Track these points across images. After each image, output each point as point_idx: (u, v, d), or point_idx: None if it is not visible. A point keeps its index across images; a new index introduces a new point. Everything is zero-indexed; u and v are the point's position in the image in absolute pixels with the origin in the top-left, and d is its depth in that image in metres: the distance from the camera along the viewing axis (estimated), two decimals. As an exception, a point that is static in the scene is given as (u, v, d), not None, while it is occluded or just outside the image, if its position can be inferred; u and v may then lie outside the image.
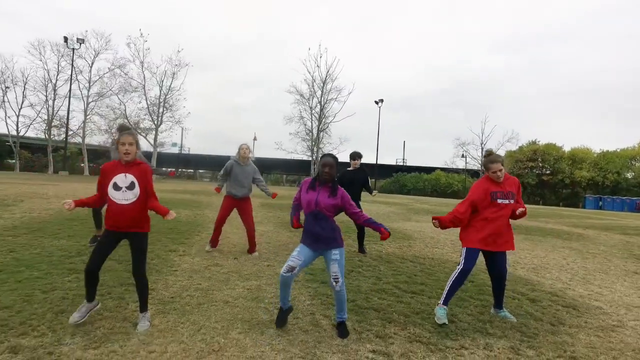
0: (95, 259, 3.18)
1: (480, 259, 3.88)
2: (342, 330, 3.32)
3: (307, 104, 43.52)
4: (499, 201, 3.74)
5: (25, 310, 3.38)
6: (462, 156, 52.71)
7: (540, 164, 52.72)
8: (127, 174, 3.21)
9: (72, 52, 39.57)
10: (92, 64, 41.98)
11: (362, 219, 3.44)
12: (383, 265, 5.93)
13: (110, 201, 3.19)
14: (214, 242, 6.29)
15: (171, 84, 43.28)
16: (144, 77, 42.35)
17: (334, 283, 3.28)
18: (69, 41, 39.10)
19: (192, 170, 67.45)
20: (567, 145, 55.43)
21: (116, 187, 3.18)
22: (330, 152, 3.82)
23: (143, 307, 3.29)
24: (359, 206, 6.22)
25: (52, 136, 44.42)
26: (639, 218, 24.32)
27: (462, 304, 4.27)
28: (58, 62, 42.02)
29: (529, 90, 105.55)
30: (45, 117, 43.77)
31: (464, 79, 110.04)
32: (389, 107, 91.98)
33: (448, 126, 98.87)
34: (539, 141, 55.20)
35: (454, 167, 54.61)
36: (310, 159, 43.51)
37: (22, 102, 43.56)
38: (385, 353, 3.01)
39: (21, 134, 44.60)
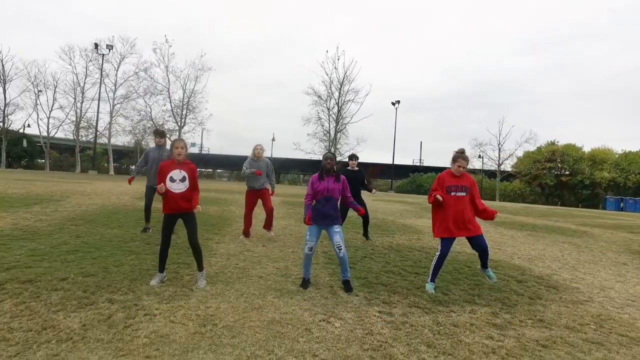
0: (165, 240, 4.29)
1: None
2: (347, 286, 4.43)
3: (324, 105, 44.42)
4: (453, 193, 4.56)
5: (107, 277, 4.33)
6: (479, 157, 52.68)
7: (559, 165, 52.29)
8: (181, 170, 4.26)
9: (101, 58, 41.39)
10: (118, 67, 43.83)
11: (348, 201, 4.71)
12: (392, 253, 6.74)
13: (167, 191, 4.18)
14: (247, 233, 7.33)
15: (194, 87, 44.80)
16: (169, 81, 43.95)
17: (338, 250, 4.39)
18: (99, 48, 40.95)
19: (210, 170, 69.07)
20: (587, 146, 54.80)
21: (172, 180, 4.20)
22: (330, 151, 5.01)
23: (200, 267, 4.40)
24: (360, 199, 7.62)
25: (79, 137, 46.46)
26: (655, 219, 24.34)
27: (457, 283, 5.06)
28: (86, 66, 44.06)
29: (548, 91, 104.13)
30: (74, 119, 45.81)
31: (484, 79, 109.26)
32: (408, 108, 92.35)
33: (466, 127, 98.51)
34: (557, 142, 54.79)
35: (471, 167, 54.63)
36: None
37: (53, 105, 45.78)
38: (389, 313, 3.84)
39: (51, 135, 46.76)
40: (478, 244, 4.67)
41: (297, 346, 3.04)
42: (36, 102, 45.63)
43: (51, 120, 46.15)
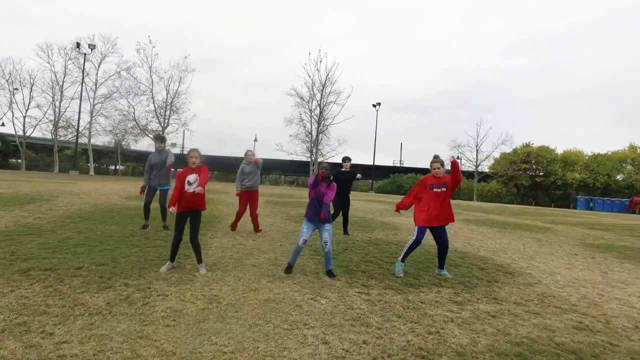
0: (178, 234, 4.92)
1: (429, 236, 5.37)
2: (330, 274, 5.12)
3: (306, 106, 45.05)
4: (435, 189, 5.35)
5: (118, 266, 4.87)
6: (457, 158, 54.15)
7: (533, 166, 54.24)
8: (196, 175, 4.90)
9: (83, 57, 41.03)
10: (99, 66, 43.49)
11: (325, 202, 5.19)
12: (371, 247, 7.42)
13: (185, 192, 4.82)
14: (234, 226, 8.19)
15: (178, 88, 44.82)
16: (152, 81, 43.87)
17: (324, 245, 5.09)
18: (80, 47, 40.59)
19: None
20: (560, 147, 56.91)
21: (189, 183, 4.85)
22: (325, 160, 5.83)
23: (199, 260, 5.01)
24: (347, 197, 8.59)
25: (58, 136, 45.82)
26: (621, 217, 25.84)
27: (427, 270, 5.77)
28: (65, 65, 43.52)
29: (527, 94, 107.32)
30: (52, 118, 45.17)
31: (465, 82, 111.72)
32: (390, 109, 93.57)
33: (446, 128, 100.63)
34: (532, 144, 56.81)
35: (448, 168, 56.07)
36: (309, 160, 45.01)
37: (29, 103, 45.02)
38: (367, 293, 4.51)
39: (27, 134, 45.97)
40: (441, 236, 5.43)
41: (290, 318, 3.66)
42: (11, 100, 44.86)
43: (27, 119, 45.43)
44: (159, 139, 7.88)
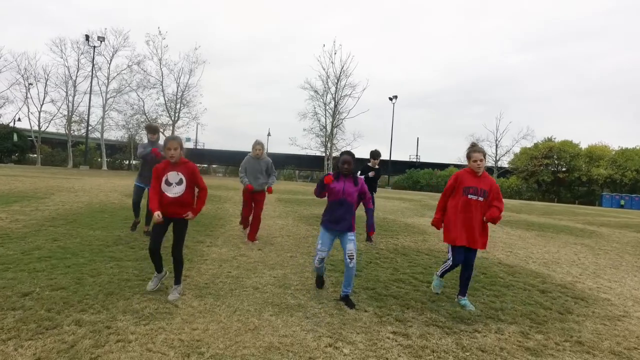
0: (155, 240, 3.80)
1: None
2: (348, 301, 3.91)
3: (321, 100, 43.81)
4: (471, 196, 4.00)
5: (79, 291, 3.76)
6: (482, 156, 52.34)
7: (555, 161, 52.03)
8: (178, 172, 3.77)
9: (92, 50, 40.46)
10: (111, 60, 42.90)
11: (368, 205, 4.32)
12: (399, 258, 6.21)
13: (162, 194, 3.74)
14: (244, 224, 7.16)
15: (188, 80, 43.97)
16: (162, 74, 43.11)
17: (349, 260, 3.88)
18: (90, 40, 40.02)
19: (206, 165, 68.31)
20: (585, 142, 54.56)
21: (167, 183, 3.75)
22: (348, 150, 4.26)
23: (177, 281, 3.91)
24: (373, 196, 7.11)
25: (71, 131, 45.53)
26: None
27: (475, 294, 4.54)
28: (78, 59, 43.07)
29: (546, 88, 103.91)
30: (66, 113, 44.88)
31: (482, 76, 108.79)
32: (406, 103, 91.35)
33: (464, 123, 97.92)
34: (554, 138, 54.49)
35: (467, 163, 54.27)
36: (323, 154, 43.80)
37: (44, 98, 44.76)
38: (404, 334, 3.32)
39: (42, 129, 45.80)
40: (470, 258, 4.11)
41: (299, 383, 2.50)
42: (26, 95, 44.62)
43: (42, 114, 45.20)
44: (151, 129, 6.74)
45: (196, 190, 3.96)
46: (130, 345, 2.81)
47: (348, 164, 3.96)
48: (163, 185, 3.74)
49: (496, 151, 50.97)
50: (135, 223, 6.85)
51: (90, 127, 42.94)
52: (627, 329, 3.75)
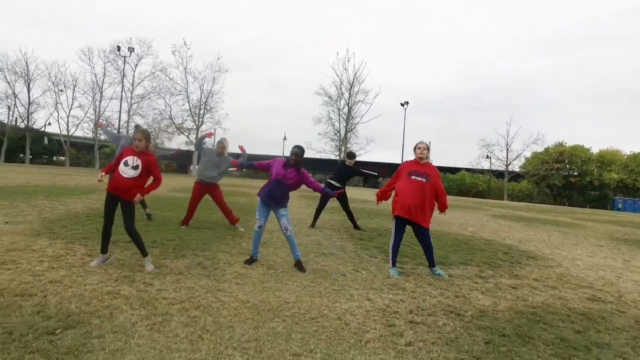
0: (107, 219, 4.34)
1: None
2: (299, 266, 4.74)
3: (335, 105, 45.73)
4: (414, 177, 4.80)
5: (184, 242, 5.68)
6: (487, 157, 53.60)
7: (567, 166, 52.93)
8: (137, 158, 4.30)
9: (122, 59, 43.21)
10: (135, 68, 45.59)
11: (317, 189, 4.99)
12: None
13: (116, 171, 4.29)
14: (186, 222, 7.05)
15: (211, 88, 46.40)
16: (187, 82, 45.60)
17: (285, 231, 4.80)
18: (120, 50, 42.78)
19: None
20: (595, 147, 55.21)
21: (125, 164, 4.26)
22: (300, 145, 4.90)
23: (144, 253, 4.38)
24: (344, 189, 8.26)
25: (98, 135, 48.29)
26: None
27: (455, 252, 6.34)
28: (104, 67, 45.89)
29: (556, 93, 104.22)
30: (93, 117, 47.64)
31: (493, 81, 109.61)
32: (417, 108, 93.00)
33: (475, 128, 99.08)
34: (565, 143, 55.38)
35: (479, 167, 55.51)
36: (337, 158, 45.66)
37: (72, 104, 47.67)
38: (401, 268, 5.13)
39: (70, 133, 48.66)
40: (424, 236, 4.88)
41: (337, 282, 4.34)
42: (57, 101, 47.57)
43: (70, 119, 48.08)
44: (138, 128, 7.30)
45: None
46: (234, 265, 4.69)
47: (295, 156, 4.78)
48: (121, 165, 4.24)
49: (507, 155, 52.13)
50: (148, 214, 7.58)
51: (116, 131, 45.50)
52: (553, 271, 5.52)
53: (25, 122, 47.50)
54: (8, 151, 45.81)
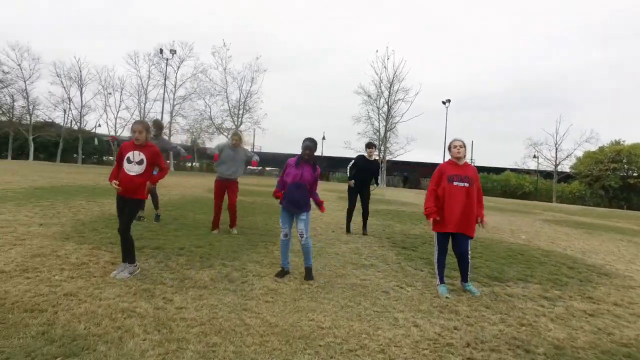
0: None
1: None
2: (308, 274, 4.37)
3: (374, 104, 44.84)
4: (456, 183, 4.18)
5: (213, 249, 5.33)
6: (534, 157, 50.82)
7: (625, 166, 49.19)
8: (140, 152, 4.00)
9: (164, 62, 44.44)
10: (178, 70, 46.75)
11: (312, 195, 4.49)
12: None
13: (122, 171, 4.00)
14: (215, 225, 6.67)
15: (250, 88, 46.79)
16: (226, 82, 46.22)
17: (300, 237, 4.37)
18: (163, 52, 44.07)
19: (260, 167, 71.56)
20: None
21: (128, 160, 3.97)
22: (311, 137, 4.44)
23: (130, 259, 4.01)
24: (367, 190, 7.54)
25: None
26: None
27: (511, 265, 5.62)
28: (149, 70, 47.38)
29: (612, 87, 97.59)
30: (138, 119, 49.37)
31: (542, 76, 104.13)
32: (460, 107, 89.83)
33: (520, 126, 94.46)
34: (623, 141, 51.55)
35: (525, 167, 52.72)
36: (377, 158, 44.79)
37: (120, 106, 49.66)
38: (451, 284, 4.51)
39: (118, 133, 50.70)
40: (462, 246, 4.24)
41: (378, 302, 3.80)
42: (106, 103, 49.69)
43: (118, 120, 50.07)
44: (157, 124, 7.25)
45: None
46: (264, 278, 4.26)
47: (309, 150, 4.32)
48: (124, 163, 3.95)
49: (556, 155, 49.16)
50: (157, 215, 7.26)
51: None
52: (637, 294, 4.69)
53: (78, 124, 50.00)
54: (63, 152, 48.37)
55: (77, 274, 3.91)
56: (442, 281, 4.33)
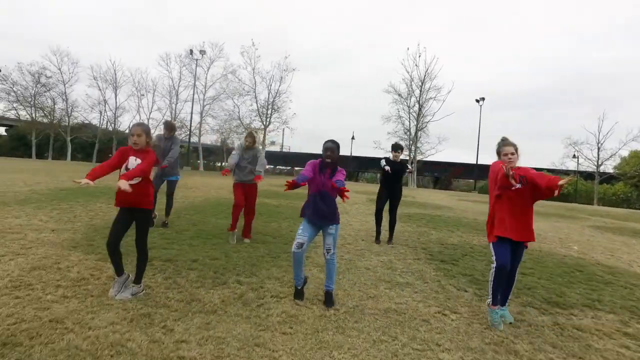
0: (115, 233, 3.51)
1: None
2: (328, 299, 3.69)
3: (405, 103, 43.65)
4: (516, 185, 3.53)
5: (230, 261, 4.80)
6: (574, 157, 48.19)
7: (676, 166, 45.90)
8: (137, 159, 3.50)
9: (194, 62, 44.87)
10: (208, 70, 47.09)
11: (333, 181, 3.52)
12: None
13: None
14: (232, 227, 6.17)
15: (279, 87, 46.58)
16: (255, 82, 46.20)
17: (326, 253, 3.77)
18: (193, 53, 44.52)
19: (289, 167, 71.46)
20: None
21: (127, 169, 3.46)
22: (332, 139, 3.83)
23: (137, 279, 3.62)
24: (398, 193, 6.90)
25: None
26: None
27: (571, 286, 4.81)
28: (180, 71, 47.98)
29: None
30: (169, 119, 50.19)
31: (580, 72, 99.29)
32: (494, 105, 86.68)
33: (560, 125, 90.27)
34: (674, 140, 48.10)
35: (564, 168, 50.07)
36: (407, 157, 43.63)
37: (152, 107, 50.62)
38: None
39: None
40: (517, 259, 3.59)
41: (418, 335, 3.15)
42: (139, 104, 50.78)
43: (150, 121, 51.04)
44: (168, 126, 6.95)
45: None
46: (282, 301, 3.68)
47: (331, 152, 3.71)
48: (123, 171, 3.46)
49: (598, 155, 46.38)
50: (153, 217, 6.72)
51: (189, 132, 47.44)
52: None
53: (113, 125, 51.34)
54: (99, 152, 49.79)
55: (72, 292, 3.46)
56: (495, 303, 3.54)
